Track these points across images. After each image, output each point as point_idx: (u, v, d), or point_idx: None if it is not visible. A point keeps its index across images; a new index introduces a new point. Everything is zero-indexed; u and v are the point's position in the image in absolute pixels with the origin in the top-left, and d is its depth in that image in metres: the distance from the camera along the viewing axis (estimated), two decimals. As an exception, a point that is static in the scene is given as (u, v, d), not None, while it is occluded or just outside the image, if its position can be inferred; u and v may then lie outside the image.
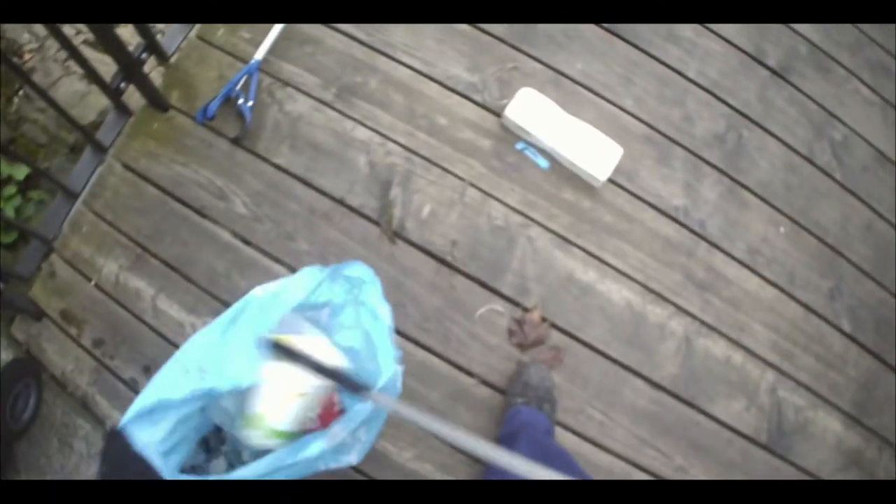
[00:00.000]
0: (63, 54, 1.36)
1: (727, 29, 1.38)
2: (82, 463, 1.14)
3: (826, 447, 1.22)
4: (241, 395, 0.87)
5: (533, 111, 1.20)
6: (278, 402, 0.74)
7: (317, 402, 0.76)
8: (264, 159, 1.21)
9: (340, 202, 1.19)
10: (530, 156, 1.23)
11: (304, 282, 0.79)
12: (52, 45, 1.50)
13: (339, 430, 0.72)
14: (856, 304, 1.28)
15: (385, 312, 0.82)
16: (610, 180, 1.22)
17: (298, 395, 0.75)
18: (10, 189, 1.44)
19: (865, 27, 1.47)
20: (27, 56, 1.52)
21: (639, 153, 1.25)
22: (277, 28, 1.26)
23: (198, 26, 1.31)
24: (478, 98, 1.25)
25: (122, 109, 1.27)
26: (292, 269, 1.16)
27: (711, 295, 1.22)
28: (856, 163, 1.36)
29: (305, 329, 0.83)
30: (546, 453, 0.96)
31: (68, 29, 1.39)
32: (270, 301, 0.77)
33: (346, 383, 0.69)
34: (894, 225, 1.34)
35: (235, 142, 1.21)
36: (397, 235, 1.18)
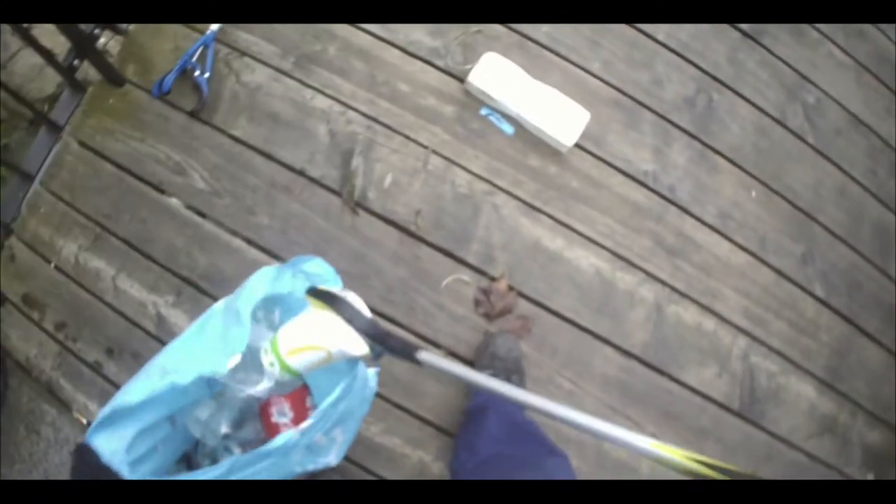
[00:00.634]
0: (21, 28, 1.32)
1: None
2: (50, 449, 1.12)
3: (799, 413, 1.21)
4: (217, 405, 0.86)
5: (497, 76, 1.17)
6: (302, 342, 0.68)
7: (333, 361, 0.70)
8: (222, 132, 1.18)
9: (301, 173, 1.17)
10: (495, 122, 1.20)
11: (262, 281, 0.76)
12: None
13: (311, 427, 0.69)
14: (828, 269, 1.27)
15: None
16: (577, 145, 1.19)
17: (319, 350, 0.68)
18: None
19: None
20: (-17, 33, 1.48)
21: (606, 117, 1.23)
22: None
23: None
24: (440, 63, 1.22)
25: (77, 87, 1.23)
26: (253, 244, 1.14)
27: (682, 261, 1.20)
28: (829, 126, 1.34)
29: (260, 335, 0.79)
30: (515, 425, 0.96)
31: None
32: (231, 303, 0.75)
33: (391, 346, 0.63)
34: (867, 188, 1.33)
35: (192, 115, 1.18)
36: (359, 206, 1.16)
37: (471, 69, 1.18)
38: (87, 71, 1.22)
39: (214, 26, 1.21)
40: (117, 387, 1.10)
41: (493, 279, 1.14)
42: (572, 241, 1.18)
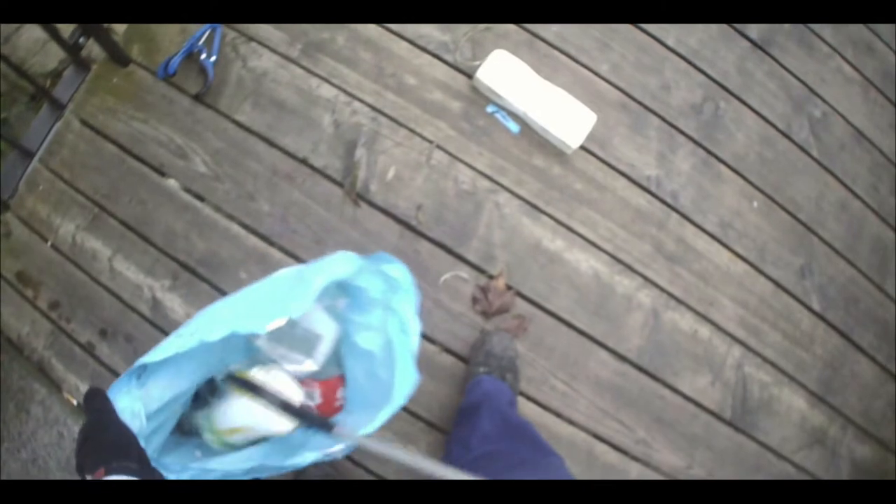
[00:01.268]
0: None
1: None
2: (39, 428, 1.11)
3: (790, 424, 1.22)
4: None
5: (505, 74, 1.17)
6: (232, 424, 0.75)
7: (270, 435, 0.76)
8: (226, 117, 1.17)
9: (303, 162, 1.16)
10: (501, 119, 1.20)
11: (344, 263, 0.72)
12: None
13: (335, 452, 0.72)
14: (826, 283, 1.27)
15: (415, 330, 0.77)
16: (582, 147, 1.19)
17: (250, 430, 0.75)
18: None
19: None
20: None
21: (613, 120, 1.22)
22: (243, -19, 1.21)
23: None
24: (449, 58, 1.22)
25: (81, 65, 1.22)
26: (252, 231, 1.13)
27: (681, 268, 1.20)
28: (833, 140, 1.34)
29: (318, 318, 0.79)
30: (508, 425, 0.95)
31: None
32: (302, 272, 0.72)
33: (310, 421, 0.70)
34: (868, 204, 1.33)
35: (197, 98, 1.17)
36: (361, 198, 1.15)
37: (479, 65, 1.18)
38: (91, 48, 1.20)
39: (223, 10, 1.20)
40: (109, 368, 1.10)
41: (491, 277, 1.14)
42: (573, 242, 1.18)
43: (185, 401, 0.83)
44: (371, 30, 1.22)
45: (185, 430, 0.89)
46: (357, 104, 1.18)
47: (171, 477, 0.71)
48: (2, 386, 1.11)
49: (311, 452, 0.73)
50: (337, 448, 0.76)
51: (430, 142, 1.18)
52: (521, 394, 1.11)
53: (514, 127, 1.20)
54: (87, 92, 1.20)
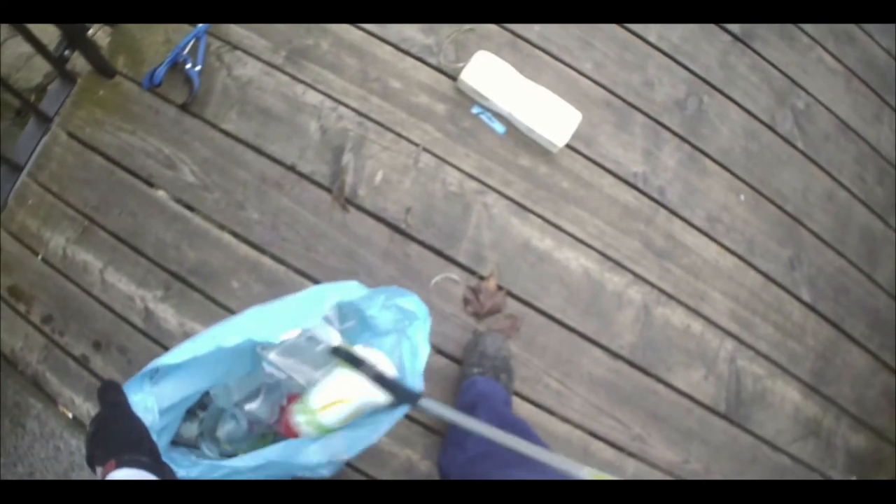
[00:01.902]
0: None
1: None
2: (36, 443, 1.11)
3: (784, 416, 1.22)
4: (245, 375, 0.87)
5: (489, 75, 1.17)
6: (332, 398, 0.79)
7: (362, 409, 0.80)
8: (213, 126, 1.17)
9: (291, 169, 1.16)
10: (486, 120, 1.20)
11: (352, 290, 0.80)
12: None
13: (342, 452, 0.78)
14: (815, 274, 1.28)
15: (424, 354, 0.83)
16: (568, 146, 1.20)
17: (350, 402, 0.78)
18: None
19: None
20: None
21: (597, 118, 1.23)
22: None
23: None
24: (433, 61, 1.22)
25: (67, 78, 1.22)
26: (242, 239, 1.13)
27: (670, 263, 1.21)
28: (818, 132, 1.35)
29: (331, 336, 0.84)
30: (504, 424, 0.95)
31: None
32: (316, 293, 0.79)
33: (401, 393, 0.76)
34: (854, 194, 1.34)
35: (183, 108, 1.17)
36: (349, 203, 1.15)
37: (463, 67, 1.18)
38: (76, 61, 1.21)
39: (207, 20, 1.21)
40: (104, 381, 1.10)
41: (482, 278, 1.15)
42: (562, 241, 1.18)
43: (188, 406, 0.85)
44: (354, 34, 1.23)
45: (177, 443, 0.90)
46: (343, 109, 1.19)
47: (181, 471, 0.73)
48: (-3, 402, 1.11)
49: (317, 454, 0.77)
50: (344, 458, 0.80)
51: (417, 145, 1.18)
52: (516, 393, 1.11)
53: (499, 128, 1.20)
54: (74, 105, 1.20)
